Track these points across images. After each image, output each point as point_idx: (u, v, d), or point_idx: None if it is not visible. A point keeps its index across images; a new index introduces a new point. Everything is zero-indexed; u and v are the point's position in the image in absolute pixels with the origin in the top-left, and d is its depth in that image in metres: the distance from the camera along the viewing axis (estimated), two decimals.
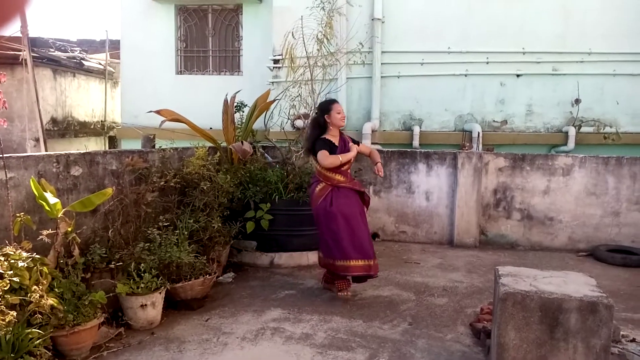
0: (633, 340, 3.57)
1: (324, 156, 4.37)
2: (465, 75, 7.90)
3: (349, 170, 4.65)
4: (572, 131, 7.67)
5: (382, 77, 7.91)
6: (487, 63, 7.85)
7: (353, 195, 4.52)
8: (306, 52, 6.22)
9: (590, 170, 6.45)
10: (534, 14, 7.71)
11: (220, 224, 4.89)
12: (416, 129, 7.87)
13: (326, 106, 4.60)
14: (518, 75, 7.87)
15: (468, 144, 7.12)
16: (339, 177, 4.50)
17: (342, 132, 4.69)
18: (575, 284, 2.99)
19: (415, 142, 7.82)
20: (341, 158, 4.40)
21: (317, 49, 6.31)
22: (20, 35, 7.43)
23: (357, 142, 4.72)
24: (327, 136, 4.50)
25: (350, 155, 4.49)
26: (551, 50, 7.74)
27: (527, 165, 6.57)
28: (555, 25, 7.73)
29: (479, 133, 7.48)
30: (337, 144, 4.51)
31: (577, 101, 7.77)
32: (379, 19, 7.78)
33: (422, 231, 6.82)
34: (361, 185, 4.85)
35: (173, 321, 4.01)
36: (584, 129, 7.77)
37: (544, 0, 7.72)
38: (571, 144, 7.65)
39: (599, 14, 7.65)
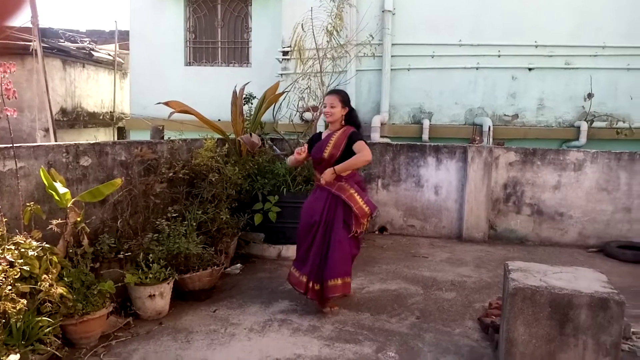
0: None
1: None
2: (477, 68, 7.82)
3: (322, 170, 4.01)
4: (584, 126, 7.58)
5: (392, 69, 7.85)
6: (499, 56, 7.76)
7: (327, 199, 3.93)
8: (315, 44, 6.18)
9: (602, 166, 6.37)
10: (547, 6, 7.60)
11: (228, 216, 4.89)
12: (426, 123, 7.82)
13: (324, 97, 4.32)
14: (530, 69, 7.78)
15: (478, 138, 7.06)
16: (316, 174, 4.16)
17: (347, 126, 4.00)
18: (586, 279, 2.96)
19: (425, 136, 7.77)
20: (287, 161, 4.23)
21: (327, 41, 6.27)
22: (31, 25, 7.45)
23: (354, 140, 3.90)
24: (325, 129, 4.18)
25: (289, 161, 4.24)
26: (564, 44, 7.63)
27: (538, 160, 6.50)
28: (568, 18, 7.62)
29: (489, 127, 7.41)
30: (323, 138, 4.06)
31: (590, 95, 7.67)
32: (389, 11, 7.71)
33: (431, 225, 6.79)
34: (343, 188, 3.92)
35: (181, 311, 4.03)
36: (596, 124, 7.68)
37: None
38: (583, 139, 7.57)
39: (613, 7, 7.52)
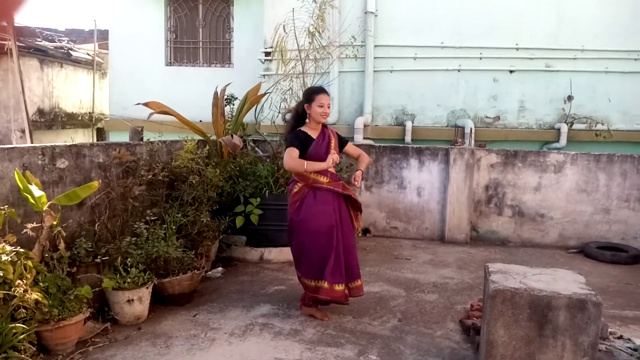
0: (620, 337, 3.57)
1: (288, 157, 3.72)
2: (459, 70, 7.87)
3: (331, 169, 3.90)
4: (564, 128, 7.68)
5: (374, 71, 7.86)
6: (481, 59, 7.82)
7: (333, 200, 3.81)
8: (298, 45, 6.17)
9: (581, 167, 6.46)
10: (527, 9, 7.68)
11: (209, 219, 4.83)
12: (408, 124, 7.84)
13: (309, 94, 3.86)
14: (511, 71, 7.85)
15: (460, 140, 7.11)
16: (316, 176, 3.81)
17: (327, 126, 3.97)
18: (565, 281, 2.98)
19: (408, 138, 7.79)
20: (306, 166, 3.70)
21: (309, 42, 6.26)
22: (6, 24, 7.29)
23: (345, 141, 4.07)
24: (305, 128, 3.85)
25: (320, 166, 3.74)
26: (545, 46, 7.72)
27: (519, 162, 6.57)
28: (549, 21, 7.71)
29: (471, 129, 7.46)
30: (314, 137, 3.83)
31: (570, 98, 7.77)
32: (372, 12, 7.71)
33: (414, 227, 6.81)
34: (346, 186, 3.94)
35: (160, 316, 3.96)
36: (576, 126, 7.78)
37: None
38: (563, 140, 7.66)
39: (592, 11, 7.63)
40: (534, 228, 6.59)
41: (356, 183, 3.91)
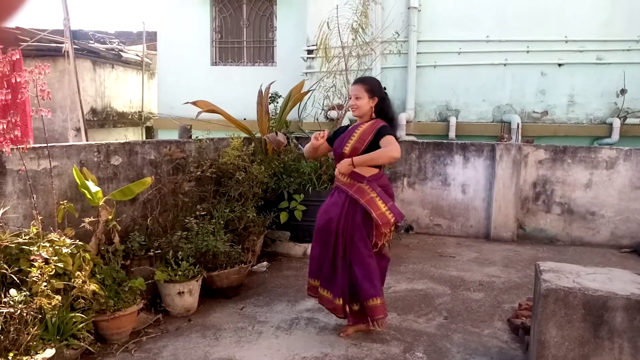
0: None
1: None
2: (505, 64, 7.68)
3: (363, 170, 3.40)
4: (616, 122, 7.37)
5: (417, 66, 7.78)
6: (528, 52, 7.61)
7: (345, 203, 3.39)
8: (341, 41, 6.17)
9: (635, 163, 6.19)
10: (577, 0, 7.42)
11: (254, 214, 4.93)
12: (452, 120, 7.72)
13: None
14: (560, 65, 7.60)
15: (507, 136, 6.94)
16: (339, 174, 3.48)
17: (377, 119, 3.42)
18: (621, 281, 2.88)
19: (452, 134, 7.67)
20: (304, 150, 3.57)
21: (352, 39, 6.25)
22: (63, 27, 7.63)
23: (382, 134, 3.32)
24: (356, 123, 3.55)
25: (306, 148, 3.56)
26: (595, 38, 7.43)
27: (569, 158, 6.36)
28: (600, 11, 7.42)
29: (518, 124, 7.28)
30: (346, 131, 3.54)
31: (623, 91, 7.46)
32: (415, 7, 7.63)
33: (458, 224, 6.71)
34: (362, 191, 3.35)
35: (209, 309, 4.07)
36: (629, 121, 7.46)
37: None
38: (615, 135, 7.36)
39: None
40: (584, 226, 6.37)
41: (335, 171, 3.46)
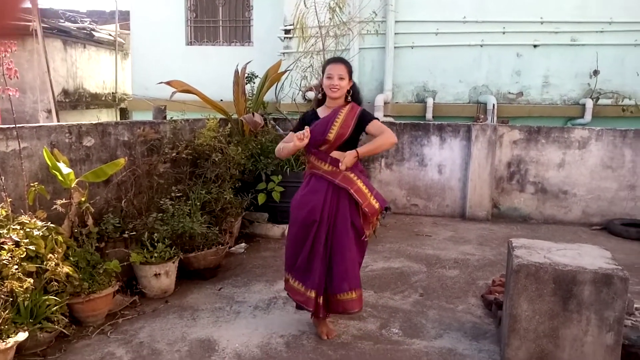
0: None
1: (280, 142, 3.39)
2: (481, 45, 7.72)
3: (330, 153, 3.19)
4: (589, 103, 7.51)
5: (395, 47, 7.76)
6: (504, 33, 7.65)
7: (327, 191, 3.17)
8: (318, 21, 6.11)
9: (607, 143, 6.33)
10: None
11: (232, 196, 4.90)
12: (430, 101, 7.76)
13: (323, 67, 3.36)
14: (535, 46, 7.67)
15: (482, 117, 7.01)
16: (313, 160, 3.27)
17: (353, 103, 3.27)
18: (590, 256, 2.96)
19: (429, 115, 7.71)
20: (280, 145, 3.32)
21: (330, 18, 6.19)
22: (30, 5, 7.38)
23: (368, 120, 3.20)
24: (321, 108, 3.32)
25: (288, 148, 3.23)
26: (570, 20, 7.50)
27: (542, 138, 6.47)
28: None
29: (493, 105, 7.35)
30: (323, 117, 3.23)
31: (596, 72, 7.58)
32: None
33: (434, 204, 6.79)
34: (349, 180, 3.16)
35: (186, 290, 4.06)
36: (601, 101, 7.60)
37: None
38: (588, 116, 7.50)
39: None
40: (556, 205, 6.52)
41: (341, 165, 3.10)
